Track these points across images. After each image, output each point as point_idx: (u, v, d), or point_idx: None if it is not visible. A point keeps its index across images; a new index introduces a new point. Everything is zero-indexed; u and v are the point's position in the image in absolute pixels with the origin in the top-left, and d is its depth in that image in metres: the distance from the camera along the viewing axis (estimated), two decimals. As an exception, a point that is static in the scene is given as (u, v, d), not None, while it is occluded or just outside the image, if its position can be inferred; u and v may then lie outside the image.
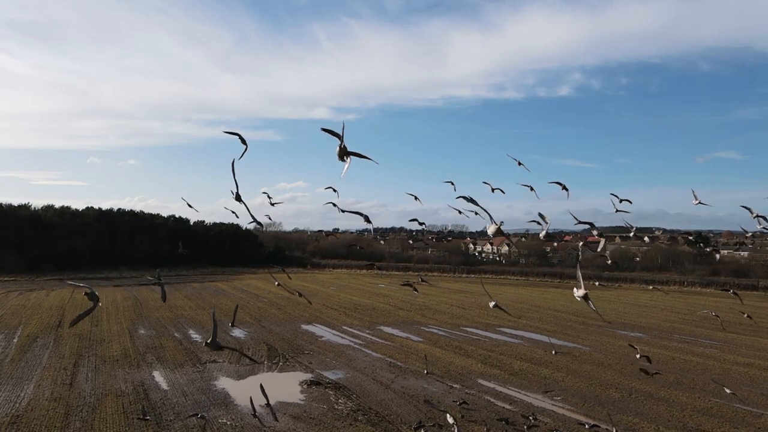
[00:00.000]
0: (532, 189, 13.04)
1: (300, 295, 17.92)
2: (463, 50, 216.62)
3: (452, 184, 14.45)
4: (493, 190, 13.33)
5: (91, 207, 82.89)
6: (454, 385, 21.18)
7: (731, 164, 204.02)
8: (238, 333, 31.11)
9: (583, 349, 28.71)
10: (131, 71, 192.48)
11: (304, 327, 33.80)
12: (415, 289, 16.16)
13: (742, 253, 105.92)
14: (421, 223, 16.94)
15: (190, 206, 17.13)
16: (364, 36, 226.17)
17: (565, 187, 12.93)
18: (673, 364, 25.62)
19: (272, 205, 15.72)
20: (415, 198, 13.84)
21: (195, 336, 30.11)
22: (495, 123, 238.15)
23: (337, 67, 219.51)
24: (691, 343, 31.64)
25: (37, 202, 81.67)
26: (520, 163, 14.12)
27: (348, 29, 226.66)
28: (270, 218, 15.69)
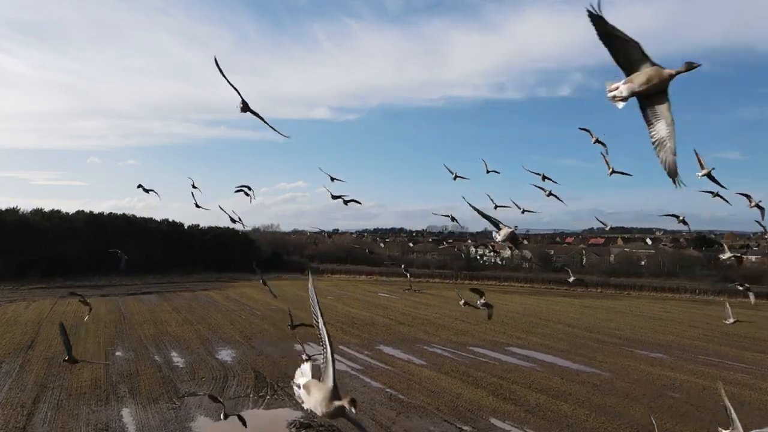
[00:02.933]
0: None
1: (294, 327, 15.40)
2: (463, 50, 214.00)
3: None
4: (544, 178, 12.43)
5: (82, 211, 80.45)
6: (464, 427, 18.57)
7: (731, 164, 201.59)
8: (224, 356, 28.50)
9: (604, 375, 26.08)
10: (131, 71, 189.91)
11: (298, 347, 31.13)
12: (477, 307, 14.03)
13: (750, 257, 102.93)
14: (453, 219, 15.13)
15: (146, 191, 14.75)
16: (364, 36, 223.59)
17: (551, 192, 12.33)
18: (706, 397, 22.96)
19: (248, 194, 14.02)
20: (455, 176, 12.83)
21: (177, 360, 27.46)
22: (495, 123, 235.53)
23: (337, 67, 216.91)
24: (718, 366, 29.01)
25: (27, 206, 78.99)
26: (544, 178, 13.06)
27: (348, 29, 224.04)
28: (240, 219, 14.04)
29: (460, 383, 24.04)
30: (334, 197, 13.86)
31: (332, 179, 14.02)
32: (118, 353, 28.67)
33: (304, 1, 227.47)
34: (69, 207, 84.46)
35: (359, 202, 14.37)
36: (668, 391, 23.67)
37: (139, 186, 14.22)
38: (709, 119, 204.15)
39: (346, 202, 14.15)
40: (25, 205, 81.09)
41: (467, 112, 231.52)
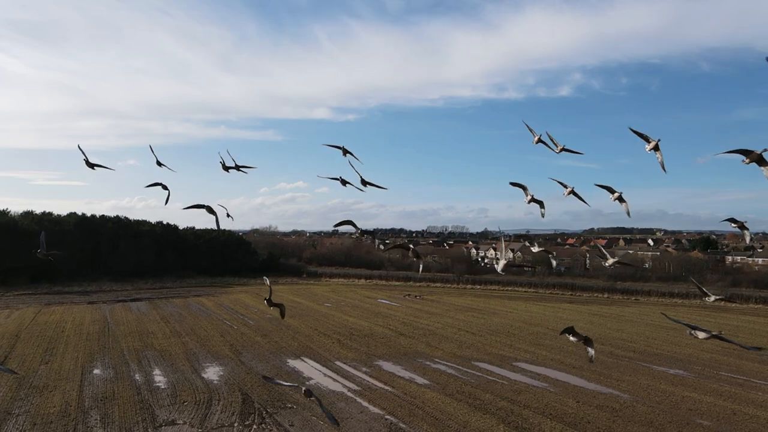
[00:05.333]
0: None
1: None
2: (463, 50, 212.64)
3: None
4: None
5: (74, 213, 78.35)
6: (474, 466, 16.44)
7: (732, 165, 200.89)
8: (210, 374, 26.35)
9: (623, 398, 23.92)
10: (131, 71, 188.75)
11: (291, 363, 29.04)
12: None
13: (757, 260, 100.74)
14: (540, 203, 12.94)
15: (94, 166, 12.44)
16: (365, 36, 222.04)
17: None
18: (738, 424, 20.84)
19: (226, 170, 11.65)
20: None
21: (159, 379, 25.31)
22: (495, 123, 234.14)
23: (337, 67, 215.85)
24: (744, 385, 26.83)
25: (27, 207, 76.79)
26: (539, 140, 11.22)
27: (348, 29, 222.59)
28: (226, 211, 11.66)
29: (466, 408, 21.91)
30: (344, 183, 11.51)
31: (345, 153, 11.71)
32: (96, 371, 26.51)
33: (305, 1, 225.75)
34: (69, 207, 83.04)
35: (362, 189, 12.11)
36: (695, 417, 21.52)
37: (88, 164, 11.94)
38: (709, 119, 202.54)
39: (364, 183, 11.85)
40: (26, 205, 79.44)
41: (467, 112, 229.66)
